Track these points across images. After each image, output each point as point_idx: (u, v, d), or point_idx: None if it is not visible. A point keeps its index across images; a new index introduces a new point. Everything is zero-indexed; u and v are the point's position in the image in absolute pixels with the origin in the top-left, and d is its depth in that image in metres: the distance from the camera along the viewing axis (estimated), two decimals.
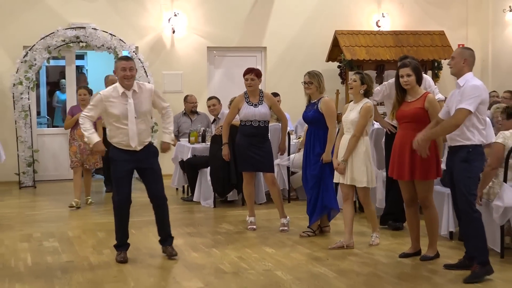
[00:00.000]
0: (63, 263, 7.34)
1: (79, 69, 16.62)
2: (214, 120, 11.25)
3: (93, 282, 6.56)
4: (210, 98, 11.42)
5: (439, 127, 6.75)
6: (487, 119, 8.43)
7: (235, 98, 9.21)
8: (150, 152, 7.21)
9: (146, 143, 7.15)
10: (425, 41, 14.48)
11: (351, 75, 8.08)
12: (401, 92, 7.32)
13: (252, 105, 8.74)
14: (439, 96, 8.04)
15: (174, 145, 10.79)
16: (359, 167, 7.78)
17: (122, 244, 7.25)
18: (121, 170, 7.06)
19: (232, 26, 14.40)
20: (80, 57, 16.31)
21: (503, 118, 7.86)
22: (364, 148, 7.85)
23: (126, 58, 7.33)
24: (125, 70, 6.93)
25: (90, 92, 10.75)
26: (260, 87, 8.94)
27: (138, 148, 7.04)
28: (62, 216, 10.14)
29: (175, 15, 14.01)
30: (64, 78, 14.99)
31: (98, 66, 16.81)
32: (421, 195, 7.30)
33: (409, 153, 7.14)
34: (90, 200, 10.96)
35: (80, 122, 7.14)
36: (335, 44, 14.15)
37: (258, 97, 8.79)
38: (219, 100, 11.23)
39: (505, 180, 7.38)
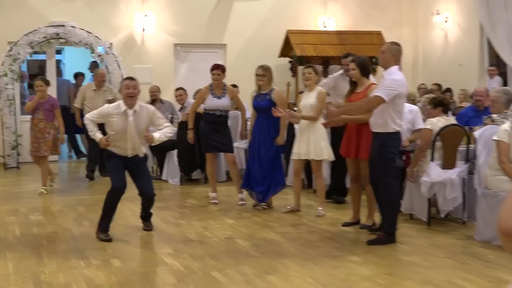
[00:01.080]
0: (48, 233, 7.38)
1: (58, 62, 16.44)
2: (181, 108, 11.26)
3: (76, 249, 6.65)
4: (177, 89, 11.45)
5: (353, 104, 6.93)
6: (416, 107, 8.65)
7: (200, 90, 9.29)
8: (139, 158, 7.02)
9: (136, 153, 6.93)
10: (365, 40, 14.64)
11: (306, 69, 8.30)
12: (353, 83, 7.52)
13: (216, 97, 8.84)
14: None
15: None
16: (319, 144, 8.00)
17: (106, 228, 6.94)
18: (116, 162, 6.84)
19: (196, 25, 14.39)
20: (58, 52, 16.10)
21: (431, 108, 8.05)
22: (322, 127, 8.05)
23: (131, 78, 6.88)
24: (129, 88, 6.65)
25: (47, 83, 10.30)
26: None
27: (129, 155, 6.86)
28: (44, 193, 10.06)
29: (145, 16, 13.99)
30: (44, 71, 14.78)
31: (74, 60, 16.72)
32: (363, 172, 7.44)
33: (356, 135, 7.36)
34: (42, 190, 9.81)
35: (85, 123, 6.98)
36: (287, 42, 14.26)
37: (222, 90, 8.89)
38: (185, 91, 11.25)
39: (432, 160, 7.61)
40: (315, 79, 8.20)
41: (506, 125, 6.85)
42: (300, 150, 8.16)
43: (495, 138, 6.83)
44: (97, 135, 6.78)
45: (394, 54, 6.75)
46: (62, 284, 5.53)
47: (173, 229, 7.53)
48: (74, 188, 10.85)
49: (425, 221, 7.63)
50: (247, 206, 8.82)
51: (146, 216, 7.31)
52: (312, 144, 8.04)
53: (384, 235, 6.82)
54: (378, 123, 6.75)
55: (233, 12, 14.63)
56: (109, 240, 6.79)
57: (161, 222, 7.78)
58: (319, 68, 13.88)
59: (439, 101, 8.10)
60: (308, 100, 8.09)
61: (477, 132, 7.50)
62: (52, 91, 13.43)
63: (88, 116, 6.93)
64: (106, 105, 7.03)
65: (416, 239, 6.99)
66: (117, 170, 6.83)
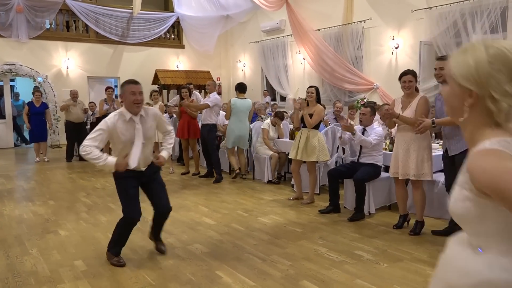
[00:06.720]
0: (8, 188, 6.93)
1: (12, 87, 15.04)
2: (92, 113, 10.79)
3: (26, 196, 6.32)
4: (90, 102, 11.04)
5: (194, 105, 7.28)
6: (223, 113, 9.07)
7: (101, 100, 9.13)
8: (153, 168, 3.80)
9: (149, 163, 3.78)
10: (200, 76, 14.76)
11: (155, 92, 8.25)
12: (181, 98, 7.74)
13: (108, 105, 8.80)
14: (203, 100, 8.64)
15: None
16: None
17: (118, 253, 3.83)
18: (129, 186, 3.65)
19: (100, 65, 13.84)
20: (12, 80, 14.74)
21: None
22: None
23: (135, 82, 3.65)
24: (135, 94, 3.57)
25: None
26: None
27: (143, 169, 3.73)
28: None
29: (68, 59, 13.26)
30: (2, 93, 13.54)
31: (22, 85, 15.40)
32: (191, 144, 7.76)
33: (187, 125, 7.57)
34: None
35: (84, 151, 3.41)
36: (156, 76, 14.10)
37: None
38: (95, 103, 10.92)
39: None
40: (159, 98, 8.21)
41: (267, 121, 7.51)
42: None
43: (262, 127, 7.43)
44: (109, 160, 3.46)
45: (214, 86, 7.44)
46: (17, 215, 5.43)
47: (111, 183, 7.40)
48: (20, 163, 10.13)
49: (229, 173, 8.08)
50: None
51: (157, 237, 4.13)
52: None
53: (218, 177, 7.27)
54: (208, 118, 7.24)
55: (123, 58, 14.24)
56: (122, 265, 3.73)
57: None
58: (174, 91, 14.11)
59: None
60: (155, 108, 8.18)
61: (252, 125, 7.93)
62: (8, 104, 12.55)
63: (86, 143, 3.44)
64: (105, 120, 3.59)
65: (225, 183, 7.29)
66: (130, 197, 3.65)
